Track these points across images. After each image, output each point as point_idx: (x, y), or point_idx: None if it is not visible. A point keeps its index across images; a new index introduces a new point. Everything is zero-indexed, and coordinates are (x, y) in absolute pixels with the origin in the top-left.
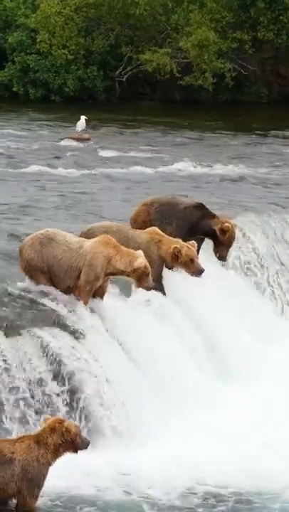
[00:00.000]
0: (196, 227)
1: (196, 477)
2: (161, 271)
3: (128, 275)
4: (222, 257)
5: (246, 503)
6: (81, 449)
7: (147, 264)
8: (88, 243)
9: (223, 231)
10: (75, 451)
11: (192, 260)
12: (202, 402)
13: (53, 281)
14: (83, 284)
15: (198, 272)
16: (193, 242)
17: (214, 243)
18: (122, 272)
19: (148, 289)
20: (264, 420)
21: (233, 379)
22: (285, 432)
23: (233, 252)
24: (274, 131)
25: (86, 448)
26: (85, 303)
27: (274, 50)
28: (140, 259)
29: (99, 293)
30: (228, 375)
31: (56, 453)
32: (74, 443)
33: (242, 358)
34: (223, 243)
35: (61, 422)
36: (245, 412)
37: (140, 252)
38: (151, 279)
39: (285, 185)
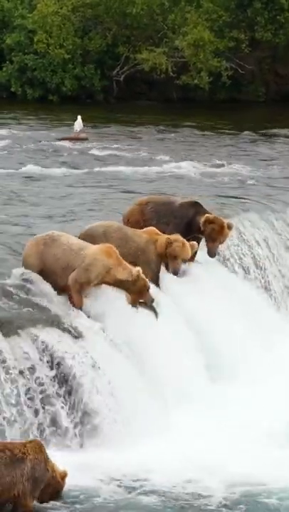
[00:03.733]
0: (191, 225)
1: (194, 475)
2: (158, 271)
3: (128, 288)
4: (208, 252)
5: (244, 500)
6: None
7: (146, 280)
8: (92, 248)
9: (204, 224)
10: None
11: (176, 257)
12: (200, 401)
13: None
14: (72, 282)
15: (173, 271)
16: (194, 242)
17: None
18: (121, 283)
19: (147, 303)
20: (262, 418)
21: (231, 378)
22: (283, 430)
23: (226, 250)
24: (271, 130)
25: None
26: (77, 304)
27: (271, 49)
28: (137, 268)
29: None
30: (226, 374)
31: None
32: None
33: (240, 357)
34: (208, 238)
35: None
36: (243, 410)
37: (139, 268)
38: (151, 295)
39: (283, 183)
